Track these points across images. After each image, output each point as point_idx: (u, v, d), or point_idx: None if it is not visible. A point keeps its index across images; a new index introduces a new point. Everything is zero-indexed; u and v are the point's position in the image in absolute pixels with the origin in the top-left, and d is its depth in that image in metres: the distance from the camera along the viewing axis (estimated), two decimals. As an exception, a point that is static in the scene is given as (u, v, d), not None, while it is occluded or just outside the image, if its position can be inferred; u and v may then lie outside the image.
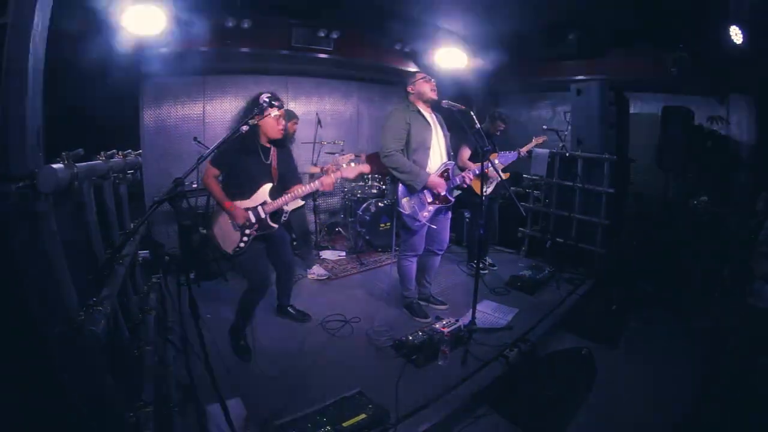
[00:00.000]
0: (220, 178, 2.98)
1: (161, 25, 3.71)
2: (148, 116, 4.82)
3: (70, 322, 1.17)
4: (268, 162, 2.98)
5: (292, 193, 2.97)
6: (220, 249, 2.97)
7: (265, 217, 2.96)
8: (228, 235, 2.94)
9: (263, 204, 2.95)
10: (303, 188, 2.99)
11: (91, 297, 1.36)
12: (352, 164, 3.17)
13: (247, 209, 2.92)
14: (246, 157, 2.90)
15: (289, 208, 3.06)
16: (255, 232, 2.95)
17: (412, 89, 3.50)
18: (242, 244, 2.94)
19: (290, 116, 4.50)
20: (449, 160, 3.59)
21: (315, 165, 5.29)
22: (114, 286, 1.51)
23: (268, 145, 2.98)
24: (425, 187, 3.43)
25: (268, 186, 2.97)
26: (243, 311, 3.16)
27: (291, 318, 3.66)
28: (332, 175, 2.99)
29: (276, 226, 3.02)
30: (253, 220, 2.93)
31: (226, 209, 2.88)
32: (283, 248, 3.27)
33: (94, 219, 1.60)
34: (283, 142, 3.10)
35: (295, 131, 4.50)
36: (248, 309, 3.16)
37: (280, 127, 2.90)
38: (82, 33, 3.20)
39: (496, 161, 4.26)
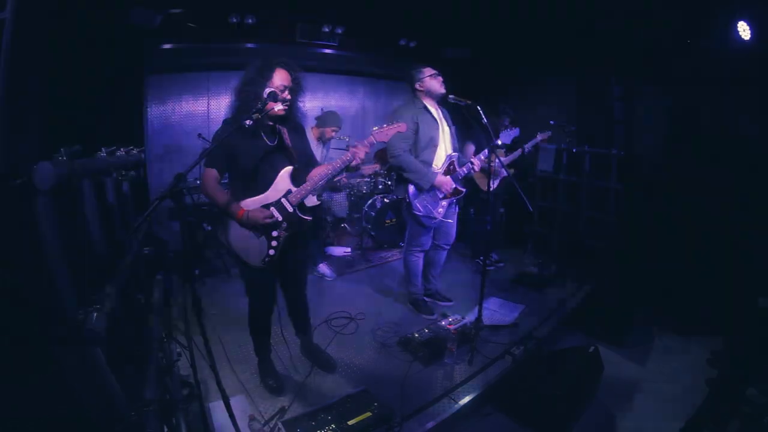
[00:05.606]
0: (224, 181, 2.45)
1: (165, 21, 3.70)
2: (153, 113, 4.81)
3: (68, 321, 1.15)
4: (275, 143, 2.40)
5: (320, 174, 2.39)
6: (244, 263, 2.46)
7: (294, 210, 2.39)
8: (251, 245, 2.40)
9: (287, 194, 2.38)
10: (332, 165, 2.40)
11: (92, 295, 1.35)
12: (385, 125, 2.53)
13: (267, 205, 2.36)
14: (244, 143, 2.30)
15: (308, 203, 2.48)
16: (284, 232, 2.41)
17: (420, 86, 3.45)
18: (272, 251, 2.41)
19: (328, 122, 4.35)
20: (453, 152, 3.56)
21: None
22: (116, 283, 1.49)
23: (271, 123, 2.40)
24: (433, 187, 3.41)
25: (288, 171, 2.39)
26: (255, 339, 2.78)
27: (314, 362, 3.00)
28: (365, 141, 2.46)
29: (310, 218, 2.47)
30: (279, 217, 2.38)
31: (240, 219, 2.30)
32: (302, 267, 2.82)
33: (95, 216, 1.59)
34: (288, 119, 2.46)
35: (331, 137, 4.45)
36: (259, 334, 2.76)
37: (278, 109, 2.31)
38: (87, 29, 3.19)
39: (502, 157, 4.21)
